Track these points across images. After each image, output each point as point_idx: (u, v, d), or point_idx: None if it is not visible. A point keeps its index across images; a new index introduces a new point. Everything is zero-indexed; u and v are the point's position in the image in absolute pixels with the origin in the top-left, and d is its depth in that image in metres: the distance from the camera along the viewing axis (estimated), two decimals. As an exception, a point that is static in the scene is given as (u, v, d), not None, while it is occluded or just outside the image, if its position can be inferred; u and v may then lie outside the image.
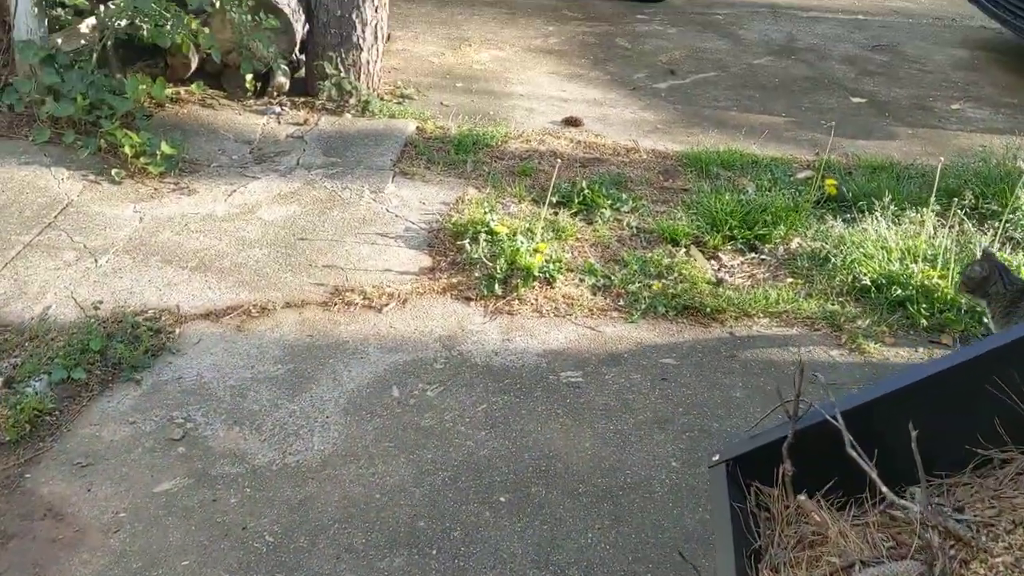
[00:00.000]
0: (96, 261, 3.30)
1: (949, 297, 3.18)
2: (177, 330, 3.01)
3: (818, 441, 1.92)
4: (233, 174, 3.97)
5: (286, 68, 4.53)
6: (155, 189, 3.79)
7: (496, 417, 2.72)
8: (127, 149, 3.83)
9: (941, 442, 1.89)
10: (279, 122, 4.46)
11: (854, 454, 1.84)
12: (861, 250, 3.43)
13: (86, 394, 2.72)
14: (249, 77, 4.43)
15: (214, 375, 2.84)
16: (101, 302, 3.05)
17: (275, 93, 4.62)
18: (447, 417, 2.71)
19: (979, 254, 2.72)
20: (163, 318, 3.05)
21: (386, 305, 3.21)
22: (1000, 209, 3.82)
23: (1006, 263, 2.95)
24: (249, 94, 4.54)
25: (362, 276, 3.35)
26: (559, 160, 4.24)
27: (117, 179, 3.80)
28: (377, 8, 4.64)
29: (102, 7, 4.16)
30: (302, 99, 4.69)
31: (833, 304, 3.26)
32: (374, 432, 2.65)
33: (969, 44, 6.53)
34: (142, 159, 3.85)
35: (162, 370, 2.84)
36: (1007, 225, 3.54)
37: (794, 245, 3.66)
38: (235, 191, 3.84)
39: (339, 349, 2.99)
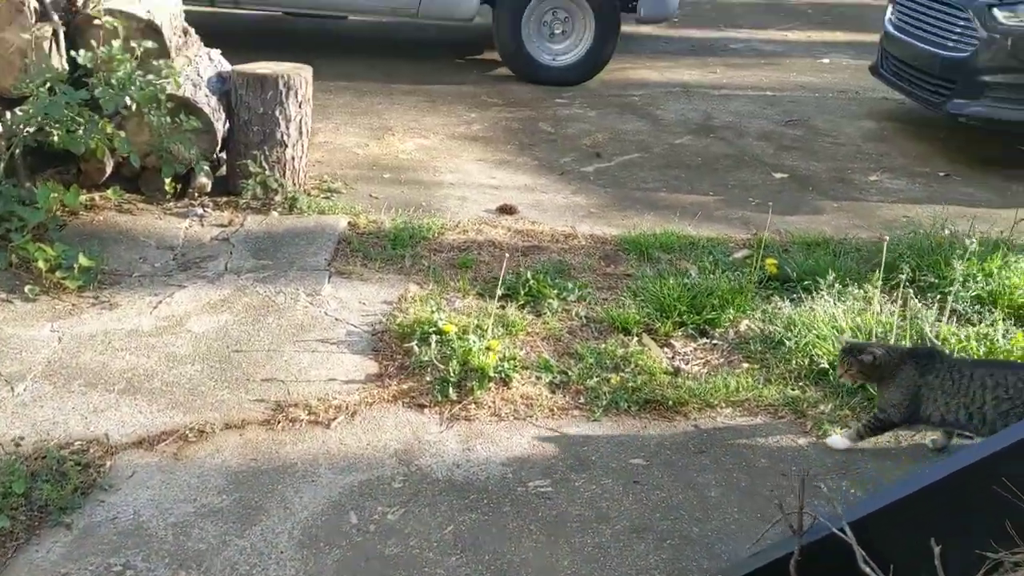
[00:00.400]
0: (13, 390, 3.03)
1: (908, 376, 3.16)
2: (108, 463, 2.76)
3: (827, 556, 1.81)
4: (157, 284, 3.75)
5: (208, 169, 4.35)
6: (73, 305, 3.54)
7: (465, 539, 2.54)
8: (41, 263, 3.58)
9: (950, 547, 1.81)
10: (203, 224, 4.26)
11: (867, 570, 1.74)
12: (813, 331, 3.40)
13: (11, 544, 2.44)
14: (169, 180, 4.23)
15: (152, 512, 2.59)
16: (22, 438, 2.78)
17: (196, 194, 4.42)
18: (412, 543, 2.53)
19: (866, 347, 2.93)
20: (91, 450, 2.79)
21: (334, 419, 3.01)
22: (937, 281, 3.86)
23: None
24: (169, 197, 4.34)
25: (305, 388, 3.16)
26: (499, 250, 4.15)
27: (31, 296, 3.54)
28: (301, 103, 4.52)
29: (8, 114, 3.93)
30: (225, 199, 4.50)
31: (793, 389, 3.21)
32: (335, 566, 2.44)
33: (875, 116, 6.77)
34: (58, 273, 3.60)
35: (94, 510, 2.58)
36: (948, 298, 3.58)
37: (743, 328, 3.62)
38: (161, 302, 3.61)
39: (287, 473, 2.78)
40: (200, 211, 4.33)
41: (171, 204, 4.38)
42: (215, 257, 3.98)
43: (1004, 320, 3.53)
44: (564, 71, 7.14)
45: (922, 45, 5.90)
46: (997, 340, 3.33)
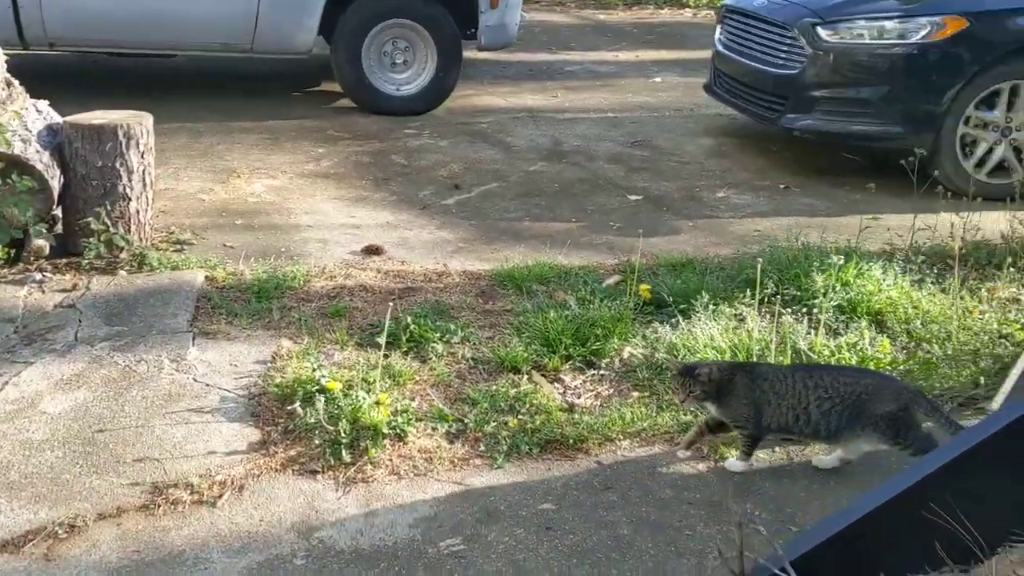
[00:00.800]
0: None
1: (792, 392, 3.25)
2: (-35, 575, 2.46)
3: (772, 597, 1.81)
4: (0, 362, 3.40)
5: (45, 231, 4.00)
6: (-98, 395, 3.16)
7: (383, 612, 2.41)
8: None
9: (886, 573, 1.84)
10: (44, 291, 3.91)
11: (814, 607, 1.75)
12: (696, 355, 3.45)
13: None
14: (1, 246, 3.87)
15: (26, 627, 2.32)
16: None
17: (33, 258, 4.06)
18: (326, 623, 2.37)
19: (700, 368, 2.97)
20: (-55, 564, 2.48)
21: (220, 496, 2.80)
22: (799, 293, 4.02)
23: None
24: (2, 263, 3.96)
25: (183, 465, 2.93)
26: (372, 295, 4.02)
27: None
28: (143, 153, 4.24)
29: None
30: (65, 261, 4.16)
31: (685, 414, 3.24)
32: (246, 662, 2.25)
33: (712, 132, 7.04)
34: None
35: (-43, 635, 2.28)
36: (815, 311, 3.72)
37: (627, 355, 3.63)
38: (6, 383, 3.27)
39: (176, 563, 2.55)
40: (39, 276, 3.98)
41: (5, 271, 4.00)
42: (62, 326, 3.65)
43: (868, 328, 3.71)
44: (409, 101, 7.06)
45: (753, 63, 6.18)
46: (866, 349, 3.48)
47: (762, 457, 3.08)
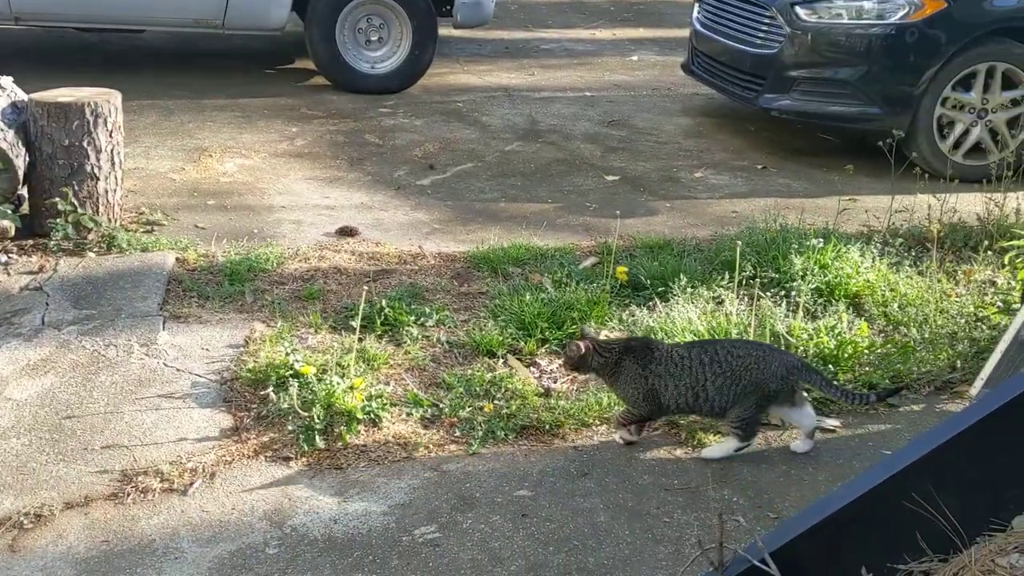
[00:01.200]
0: None
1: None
2: (-72, 567, 2.40)
3: (752, 589, 1.79)
4: (-37, 347, 3.32)
5: (10, 212, 3.90)
6: None
7: (357, 602, 2.37)
8: None
9: (866, 564, 1.83)
10: (9, 273, 3.82)
11: (793, 599, 1.73)
12: (674, 339, 3.42)
13: None
14: (-36, 226, 3.77)
15: (-9, 620, 2.27)
16: None
17: (-3, 240, 3.97)
18: (300, 614, 2.33)
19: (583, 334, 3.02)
20: (-94, 556, 2.42)
21: (191, 484, 2.75)
22: (778, 276, 4.00)
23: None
24: (-35, 244, 3.87)
25: (153, 452, 2.87)
26: (346, 277, 3.96)
27: None
28: (112, 132, 4.14)
29: None
30: (31, 241, 4.06)
31: (663, 399, 3.22)
32: (217, 654, 2.22)
33: (690, 112, 7.00)
34: None
35: (-82, 630, 2.23)
36: (793, 294, 3.71)
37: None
38: (-30, 368, 3.20)
39: (146, 553, 2.50)
40: (4, 258, 3.89)
41: (-32, 253, 3.91)
42: (28, 310, 3.57)
43: (846, 311, 3.70)
44: (384, 79, 6.96)
45: (732, 43, 6.13)
46: (844, 332, 3.47)
47: (740, 442, 3.07)
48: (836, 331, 3.47)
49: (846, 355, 3.38)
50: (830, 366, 3.33)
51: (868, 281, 3.94)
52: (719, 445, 2.99)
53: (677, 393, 2.87)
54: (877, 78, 5.51)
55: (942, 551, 1.83)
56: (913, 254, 4.25)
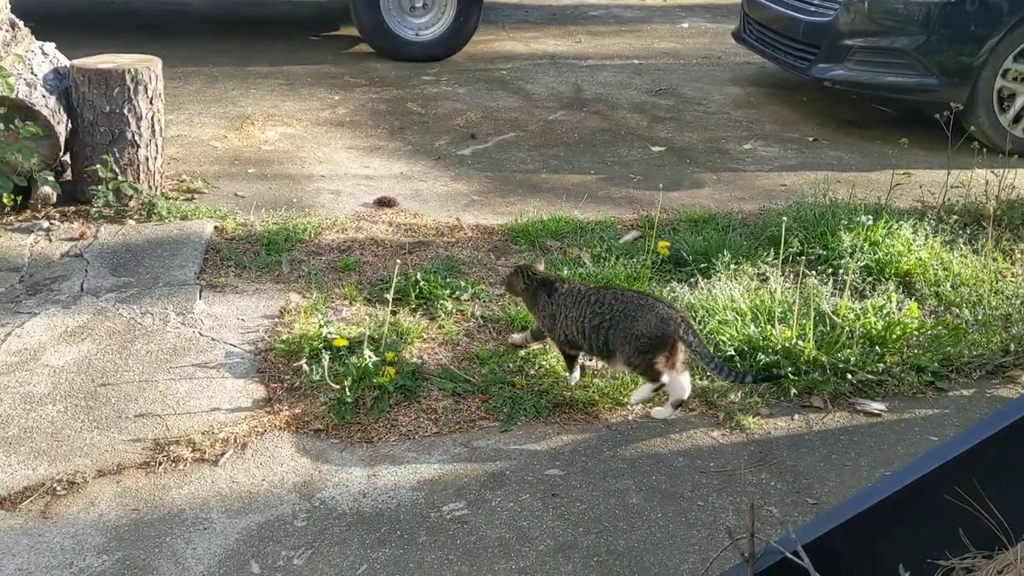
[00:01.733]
0: None
1: (812, 357, 3.14)
2: (-38, 532, 2.42)
3: (782, 581, 1.72)
4: (3, 312, 3.35)
5: (52, 178, 3.92)
6: (-96, 346, 3.12)
7: (383, 579, 2.35)
8: None
9: (904, 559, 1.75)
10: (50, 240, 3.85)
11: (826, 594, 1.66)
12: (716, 316, 3.34)
13: None
14: (7, 193, 3.79)
15: (22, 585, 2.28)
16: None
17: (40, 206, 4.00)
18: (325, 589, 2.32)
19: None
20: (-59, 519, 2.45)
21: (222, 455, 2.75)
22: (826, 253, 3.88)
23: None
24: (8, 210, 3.90)
25: (186, 421, 2.87)
26: (383, 249, 3.93)
27: None
28: (152, 99, 4.13)
29: None
30: (73, 209, 4.09)
31: (701, 379, 3.14)
32: (242, 627, 2.21)
33: (741, 81, 6.82)
34: None
35: (-49, 593, 2.25)
36: (840, 272, 3.59)
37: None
38: (10, 335, 3.22)
39: (175, 522, 2.51)
40: (46, 224, 3.91)
41: (12, 219, 3.95)
42: (68, 277, 3.59)
43: (896, 290, 3.57)
44: (428, 46, 6.89)
45: (785, 10, 5.95)
46: (893, 313, 3.35)
47: (780, 425, 2.99)
48: (884, 311, 3.36)
49: (894, 336, 3.26)
50: (877, 347, 3.22)
51: (920, 259, 3.80)
52: (638, 390, 3.00)
53: (566, 324, 3.01)
54: (935, 48, 5.30)
55: (986, 548, 1.75)
56: (968, 232, 4.09)
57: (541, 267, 3.24)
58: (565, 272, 3.64)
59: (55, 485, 2.60)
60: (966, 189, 4.39)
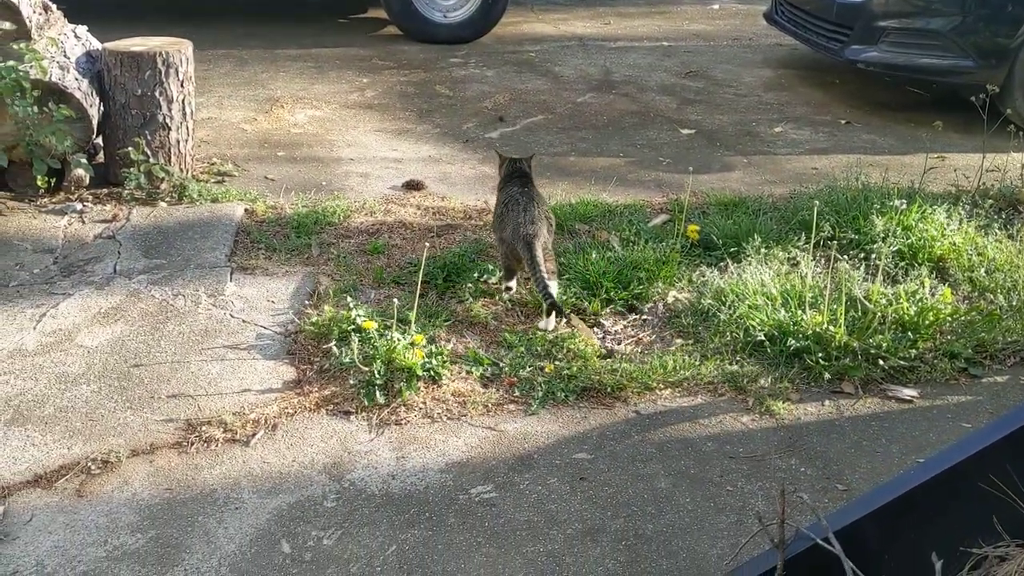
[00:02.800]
0: None
1: (843, 343, 3.11)
2: (1, 508, 2.47)
3: (812, 571, 1.72)
4: (38, 293, 3.39)
5: (84, 161, 3.96)
6: (-58, 326, 3.17)
7: (411, 560, 2.37)
8: (-101, 281, 3.19)
9: (936, 547, 1.74)
10: (83, 221, 3.89)
11: (857, 581, 1.65)
12: (746, 301, 3.32)
13: None
14: (41, 175, 3.83)
15: (59, 561, 2.32)
16: None
17: (73, 188, 4.04)
18: (353, 570, 2.33)
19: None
20: (-20, 496, 2.49)
21: (253, 435, 2.78)
22: (857, 237, 3.84)
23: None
24: (42, 192, 3.95)
25: (217, 402, 2.90)
26: (411, 232, 3.94)
27: None
28: (183, 82, 4.15)
29: None
30: (106, 191, 4.13)
31: (731, 364, 3.13)
32: (272, 605, 2.24)
33: (772, 63, 6.75)
34: (-80, 290, 3.22)
35: (-10, 568, 2.30)
36: (872, 257, 3.55)
37: (671, 300, 3.51)
38: (44, 315, 3.27)
39: (207, 501, 2.54)
40: (79, 206, 3.96)
41: (46, 200, 3.99)
42: (101, 258, 3.63)
43: (929, 275, 3.53)
44: (457, 28, 6.87)
45: (817, -9, 5.88)
46: (926, 298, 3.31)
47: (810, 410, 2.97)
48: (917, 296, 3.32)
49: (927, 322, 3.22)
50: (909, 333, 3.18)
51: (954, 244, 3.75)
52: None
53: (502, 226, 3.34)
54: (971, 29, 5.22)
55: (1021, 536, 1.73)
56: (1004, 216, 4.04)
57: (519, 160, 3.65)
58: (593, 255, 3.63)
59: (90, 464, 2.64)
60: (1001, 173, 4.32)
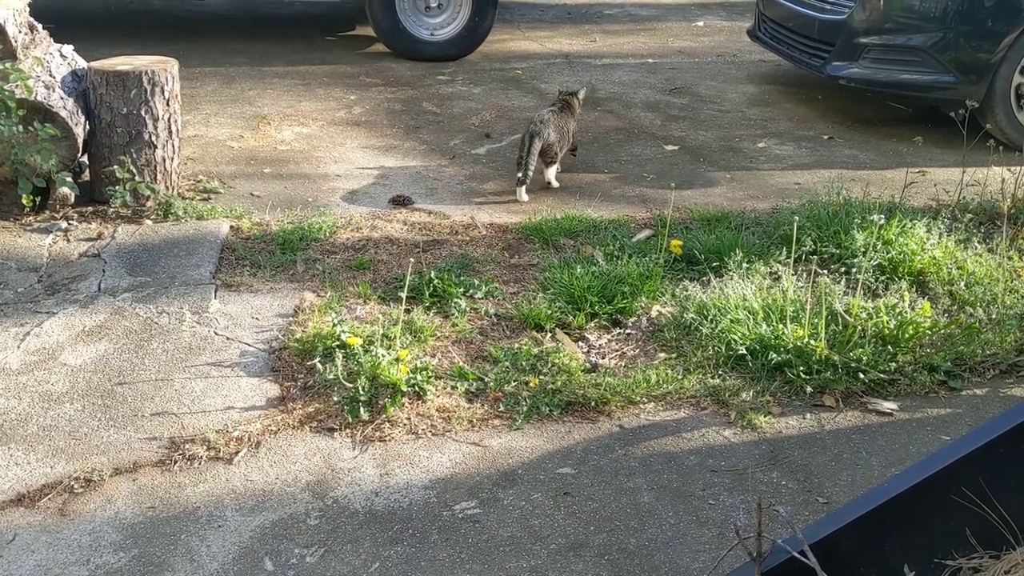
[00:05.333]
0: None
1: (824, 356, 3.14)
2: (-18, 528, 2.46)
3: (789, 580, 1.73)
4: (22, 312, 3.40)
5: (70, 179, 3.97)
6: (-74, 345, 3.17)
7: (395, 576, 2.37)
8: None
9: (911, 559, 1.76)
10: (68, 240, 3.90)
11: (833, 593, 1.67)
12: (727, 315, 3.34)
13: None
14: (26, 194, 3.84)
15: (41, 581, 2.32)
16: None
17: (59, 206, 4.04)
18: (338, 586, 2.34)
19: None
20: (-38, 516, 2.49)
21: (236, 453, 2.78)
22: (839, 251, 3.87)
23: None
24: (27, 211, 3.96)
25: (201, 420, 2.91)
26: (397, 247, 3.96)
27: None
28: (169, 100, 4.17)
29: None
30: (91, 209, 4.13)
31: (713, 378, 3.15)
32: (255, 623, 2.24)
33: (756, 79, 6.81)
34: (-96, 310, 3.22)
35: (-29, 589, 2.29)
36: (853, 271, 3.58)
37: (655, 314, 3.53)
38: (28, 334, 3.27)
39: (190, 519, 2.54)
40: (64, 225, 3.96)
41: (30, 219, 4.00)
42: (86, 276, 3.64)
43: (909, 289, 3.56)
44: (443, 46, 6.91)
45: (799, 8, 5.93)
46: (905, 312, 3.34)
47: (792, 424, 2.99)
48: (897, 310, 3.35)
49: (907, 335, 3.25)
50: (889, 347, 3.21)
51: (934, 258, 3.79)
52: None
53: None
54: (952, 45, 5.27)
55: (993, 548, 1.75)
56: (983, 230, 4.07)
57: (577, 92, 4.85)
58: (578, 270, 3.65)
59: (73, 483, 2.64)
60: (981, 187, 4.37)
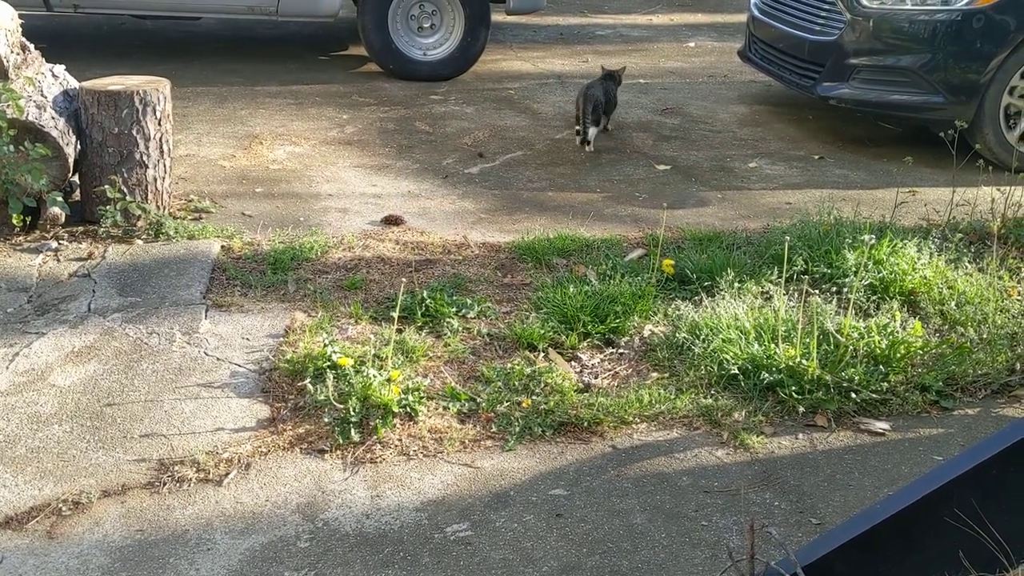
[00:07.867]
0: None
1: (816, 376, 3.14)
2: (-31, 551, 2.44)
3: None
4: (12, 332, 3.38)
5: (60, 199, 3.96)
6: (-87, 366, 3.14)
7: (385, 599, 2.35)
8: None
9: (905, 581, 1.75)
10: (59, 260, 3.88)
11: (826, 616, 1.66)
12: (720, 335, 3.34)
13: None
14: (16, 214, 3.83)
15: (27, 606, 2.30)
16: None
17: (49, 226, 4.03)
18: (328, 610, 2.32)
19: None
20: (-52, 539, 2.46)
21: (226, 475, 2.76)
22: (830, 271, 3.88)
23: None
24: (17, 231, 3.94)
25: (191, 442, 2.89)
26: (389, 267, 3.95)
27: None
28: (161, 120, 4.17)
29: None
30: (82, 229, 4.12)
31: (706, 398, 3.14)
32: (244, 648, 2.21)
33: (747, 100, 6.84)
34: None
35: (-44, 614, 2.27)
36: (845, 291, 3.58)
37: (647, 334, 3.53)
38: (17, 355, 3.25)
39: (179, 542, 2.52)
40: (55, 245, 3.95)
41: (20, 239, 3.98)
42: (76, 297, 3.62)
43: (900, 309, 3.57)
44: (436, 66, 6.93)
45: (790, 29, 5.97)
46: (896, 331, 3.35)
47: (784, 444, 2.98)
48: (889, 330, 3.35)
49: (898, 355, 3.26)
50: (881, 366, 3.21)
51: (925, 278, 3.80)
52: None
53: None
54: (941, 66, 5.31)
55: (987, 569, 1.75)
56: (973, 250, 4.09)
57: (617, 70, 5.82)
58: (571, 289, 3.65)
59: (61, 505, 2.61)
60: (971, 207, 4.38)
